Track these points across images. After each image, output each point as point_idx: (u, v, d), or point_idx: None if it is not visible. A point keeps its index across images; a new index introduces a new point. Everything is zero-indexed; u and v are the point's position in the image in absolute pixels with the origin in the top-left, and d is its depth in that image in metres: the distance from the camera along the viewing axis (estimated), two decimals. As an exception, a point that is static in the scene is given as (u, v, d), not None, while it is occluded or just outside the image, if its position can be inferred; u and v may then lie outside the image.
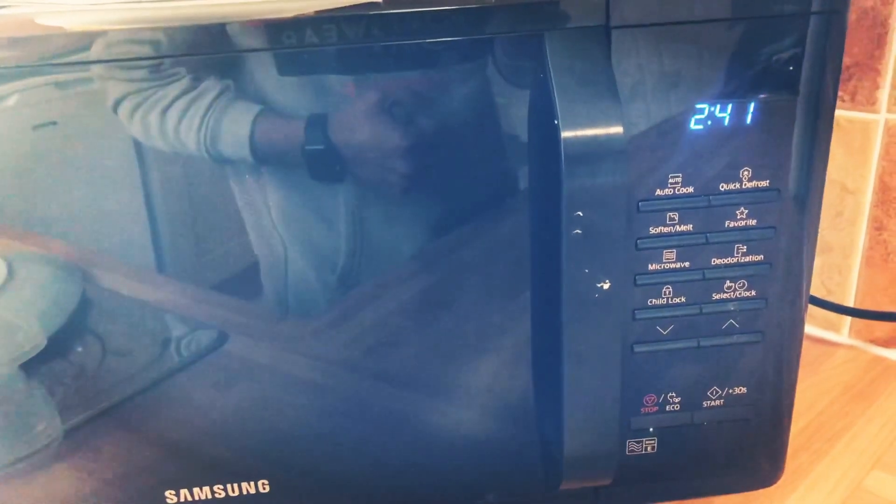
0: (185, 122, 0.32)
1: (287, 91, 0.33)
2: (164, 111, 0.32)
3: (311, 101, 0.33)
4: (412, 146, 0.34)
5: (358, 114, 0.33)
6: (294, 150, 0.33)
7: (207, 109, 0.32)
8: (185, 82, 0.32)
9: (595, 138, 0.31)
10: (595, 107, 0.31)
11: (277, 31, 0.31)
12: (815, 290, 0.62)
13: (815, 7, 0.33)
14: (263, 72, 0.32)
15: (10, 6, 0.31)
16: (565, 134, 0.31)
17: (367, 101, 0.33)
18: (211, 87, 0.32)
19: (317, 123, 0.33)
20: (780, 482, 0.44)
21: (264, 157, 0.33)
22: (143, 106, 0.32)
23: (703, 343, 0.38)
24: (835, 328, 0.62)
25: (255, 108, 0.33)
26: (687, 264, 0.36)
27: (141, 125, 0.33)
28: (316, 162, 0.34)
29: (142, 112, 0.32)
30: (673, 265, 0.36)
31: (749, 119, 0.34)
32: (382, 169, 0.34)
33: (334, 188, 0.34)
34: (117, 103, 0.32)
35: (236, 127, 0.33)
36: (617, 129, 0.31)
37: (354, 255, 0.35)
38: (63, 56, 0.31)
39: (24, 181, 0.33)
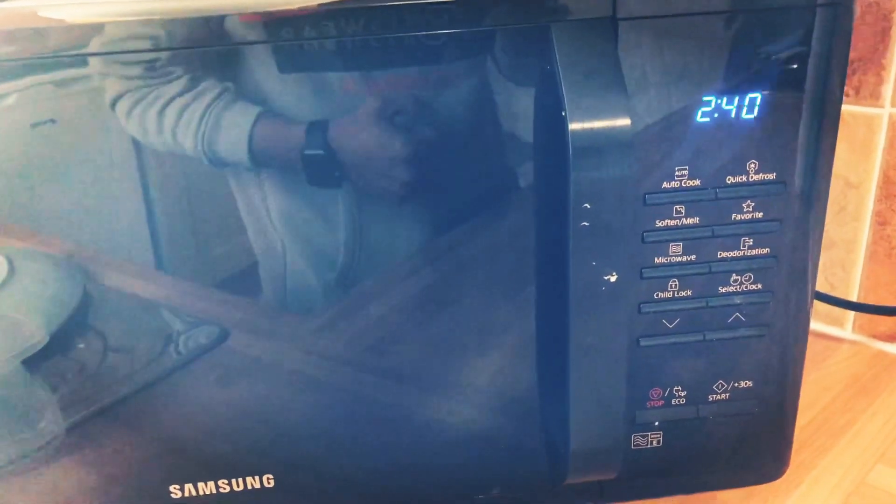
0: (182, 122, 0.32)
1: (286, 94, 0.33)
2: (162, 110, 0.32)
3: (311, 104, 0.33)
4: (414, 145, 0.33)
5: (359, 118, 0.33)
6: (293, 154, 0.33)
7: (205, 111, 0.32)
8: (183, 81, 0.32)
9: (602, 130, 0.31)
10: (602, 99, 0.31)
11: (278, 25, 0.31)
12: (819, 285, 0.62)
13: (821, 0, 0.33)
14: (262, 73, 0.32)
15: (10, -1, 0.31)
16: (573, 126, 0.31)
17: (368, 105, 0.33)
18: (209, 87, 0.32)
19: (316, 128, 0.33)
20: (784, 477, 0.44)
21: (263, 161, 0.33)
22: (140, 104, 0.32)
23: (708, 336, 0.38)
24: (838, 323, 0.62)
25: (254, 112, 0.33)
26: (693, 257, 0.36)
27: (139, 123, 0.32)
28: (315, 166, 0.33)
29: (140, 110, 0.32)
30: (679, 258, 0.36)
31: (756, 112, 0.34)
32: (384, 171, 0.34)
33: (334, 189, 0.34)
34: (115, 101, 0.32)
35: (235, 130, 0.33)
36: (624, 122, 0.31)
37: (354, 252, 0.35)
38: (64, 51, 0.31)
39: (24, 179, 0.33)
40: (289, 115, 0.33)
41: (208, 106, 0.32)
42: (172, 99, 0.32)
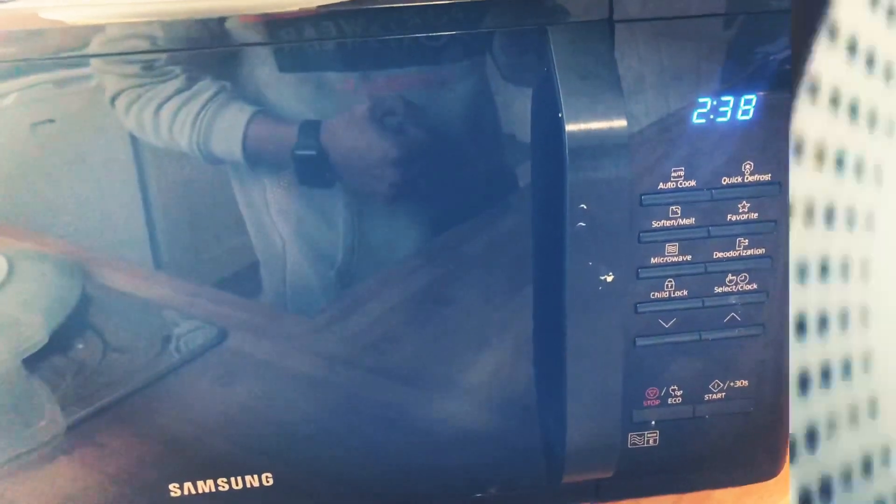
0: (177, 122, 0.32)
1: (283, 94, 0.33)
2: (157, 110, 0.32)
3: (306, 105, 0.33)
4: (410, 145, 0.34)
5: (356, 117, 0.33)
6: (287, 154, 0.33)
7: (200, 110, 0.32)
8: (179, 81, 0.32)
9: (598, 132, 0.31)
10: (598, 100, 0.31)
11: (277, 26, 0.31)
12: (815, 285, 0.62)
13: (816, 1, 0.33)
14: (258, 73, 0.32)
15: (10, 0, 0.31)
16: (569, 127, 0.31)
17: (365, 104, 0.33)
18: (204, 88, 0.32)
19: (310, 129, 0.33)
20: (780, 475, 0.44)
21: (257, 160, 0.33)
22: (137, 102, 0.32)
23: (704, 336, 0.38)
24: (834, 323, 0.62)
25: (249, 111, 0.33)
26: (689, 258, 0.36)
27: (136, 122, 0.33)
28: (310, 166, 0.34)
29: (136, 109, 0.32)
30: (675, 258, 0.36)
31: (751, 113, 0.34)
32: (381, 169, 0.34)
33: (332, 186, 0.34)
34: (114, 98, 0.32)
35: (229, 129, 0.33)
36: (620, 123, 0.31)
37: (353, 250, 0.35)
38: (64, 51, 0.31)
39: (24, 179, 0.33)
40: (285, 115, 0.33)
41: (203, 106, 0.32)
42: (169, 98, 0.32)
